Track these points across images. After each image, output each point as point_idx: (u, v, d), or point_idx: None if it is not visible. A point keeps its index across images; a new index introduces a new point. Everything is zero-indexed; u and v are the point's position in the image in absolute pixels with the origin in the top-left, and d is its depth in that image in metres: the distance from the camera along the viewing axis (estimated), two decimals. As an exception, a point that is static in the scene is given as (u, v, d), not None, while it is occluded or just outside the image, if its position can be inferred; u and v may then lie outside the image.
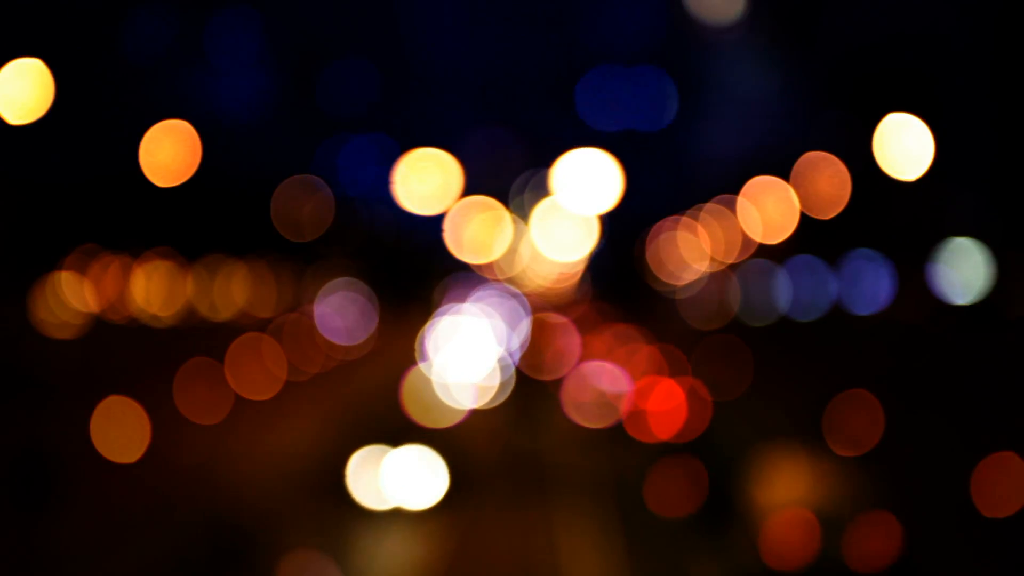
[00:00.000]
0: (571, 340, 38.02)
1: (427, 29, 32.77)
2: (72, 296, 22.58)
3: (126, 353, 21.86)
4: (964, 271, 20.12)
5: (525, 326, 41.06)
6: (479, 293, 43.03)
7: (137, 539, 16.33)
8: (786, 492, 18.51)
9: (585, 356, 34.93)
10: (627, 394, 28.43)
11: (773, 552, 16.57)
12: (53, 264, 22.08)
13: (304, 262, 33.01)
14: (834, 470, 18.79)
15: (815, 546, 16.39)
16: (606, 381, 30.12)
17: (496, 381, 30.33)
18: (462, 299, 41.67)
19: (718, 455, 20.93)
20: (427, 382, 29.25)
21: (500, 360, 33.25)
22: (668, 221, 35.79)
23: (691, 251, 34.98)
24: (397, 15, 32.29)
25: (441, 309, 38.65)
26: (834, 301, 26.62)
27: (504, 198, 38.47)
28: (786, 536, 16.67)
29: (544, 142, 35.54)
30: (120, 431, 18.57)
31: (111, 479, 17.71)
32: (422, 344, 33.59)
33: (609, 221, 37.84)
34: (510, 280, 44.10)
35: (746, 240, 30.37)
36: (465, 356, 31.84)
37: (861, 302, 25.04)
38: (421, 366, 30.78)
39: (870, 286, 24.66)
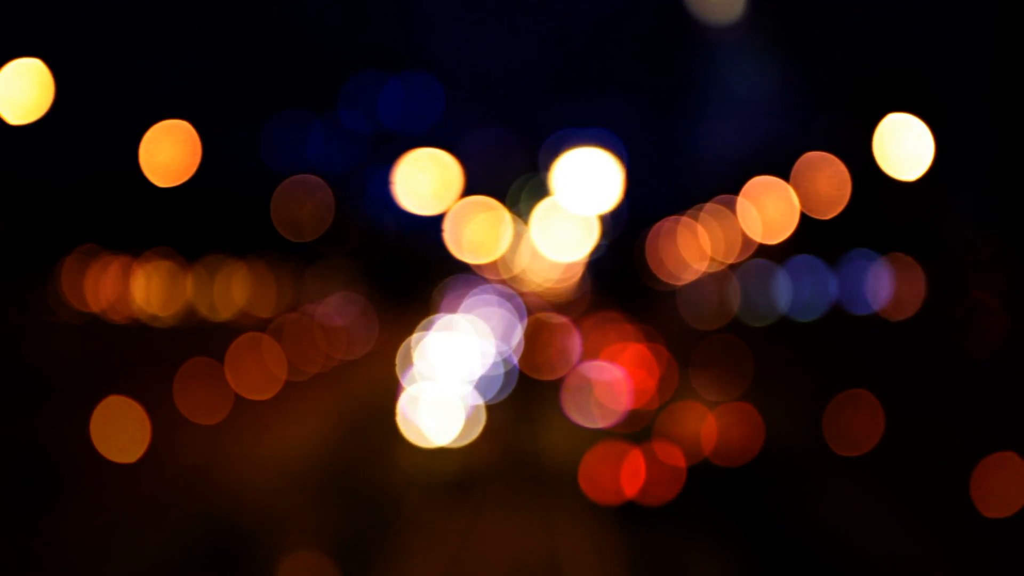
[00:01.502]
0: (571, 339, 38.04)
1: (427, 29, 32.78)
2: (72, 296, 22.59)
3: (126, 353, 21.86)
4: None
5: (521, 331, 40.80)
6: (472, 300, 42.78)
7: (137, 539, 16.33)
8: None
9: (585, 355, 34.95)
10: (626, 392, 28.54)
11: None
12: (53, 264, 22.09)
13: (304, 262, 33.02)
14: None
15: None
16: (606, 381, 30.14)
17: (467, 407, 26.83)
18: (454, 308, 41.20)
19: None
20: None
21: (471, 389, 30.13)
22: (668, 221, 35.79)
23: (691, 251, 34.98)
24: (397, 13, 32.30)
25: (429, 320, 37.39)
26: (834, 301, 26.63)
27: (504, 198, 38.47)
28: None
29: (544, 142, 35.55)
30: (120, 431, 18.57)
31: (111, 479, 17.71)
32: (404, 357, 31.82)
33: (609, 221, 37.86)
34: (510, 280, 44.11)
35: (746, 240, 30.37)
36: (444, 379, 29.54)
37: (861, 302, 25.04)
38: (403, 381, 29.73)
39: (870, 286, 24.66)
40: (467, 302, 42.16)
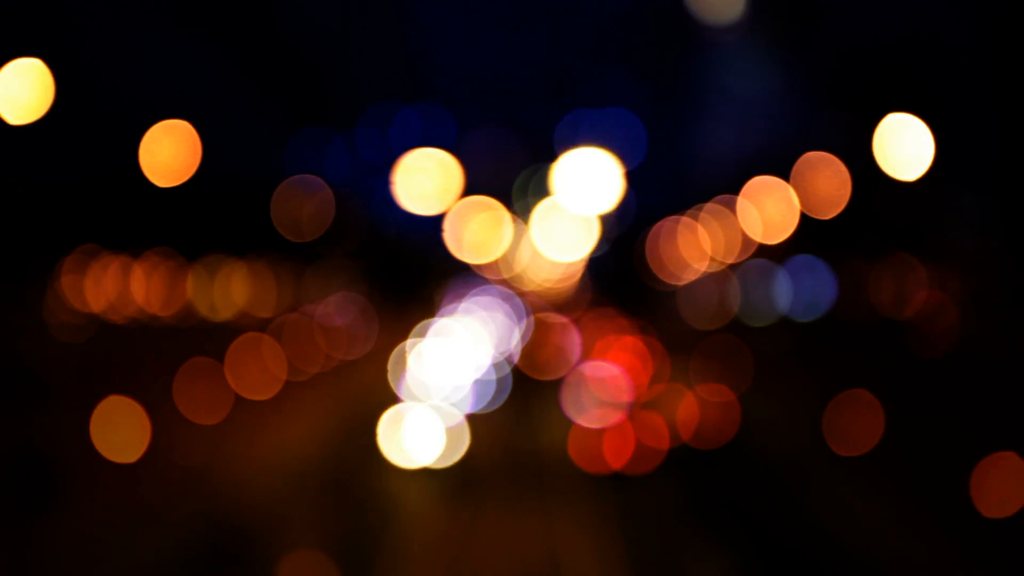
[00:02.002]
0: (571, 339, 38.04)
1: (427, 28, 32.78)
2: (72, 296, 22.58)
3: (126, 353, 21.87)
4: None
5: (520, 334, 40.54)
6: (471, 301, 42.56)
7: (137, 539, 16.33)
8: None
9: (585, 355, 34.97)
10: (623, 389, 28.65)
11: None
12: (53, 264, 22.08)
13: (304, 262, 33.02)
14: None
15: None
16: (607, 381, 30.14)
17: (452, 424, 24.54)
18: (452, 311, 40.77)
19: None
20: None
21: (460, 401, 28.32)
22: (668, 221, 35.79)
23: (691, 251, 34.98)
24: (397, 14, 32.31)
25: (424, 325, 36.16)
26: (834, 301, 26.63)
27: (504, 198, 38.48)
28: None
29: (544, 142, 35.55)
30: (120, 431, 18.57)
31: (111, 479, 17.71)
32: (397, 364, 30.40)
33: (609, 221, 37.86)
34: (510, 280, 44.11)
35: (746, 240, 30.37)
36: (433, 392, 28.14)
37: (861, 302, 25.05)
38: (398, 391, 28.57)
39: (870, 286, 24.67)
40: (465, 304, 42.03)
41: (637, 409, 25.94)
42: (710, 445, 23.73)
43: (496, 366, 33.91)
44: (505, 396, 30.77)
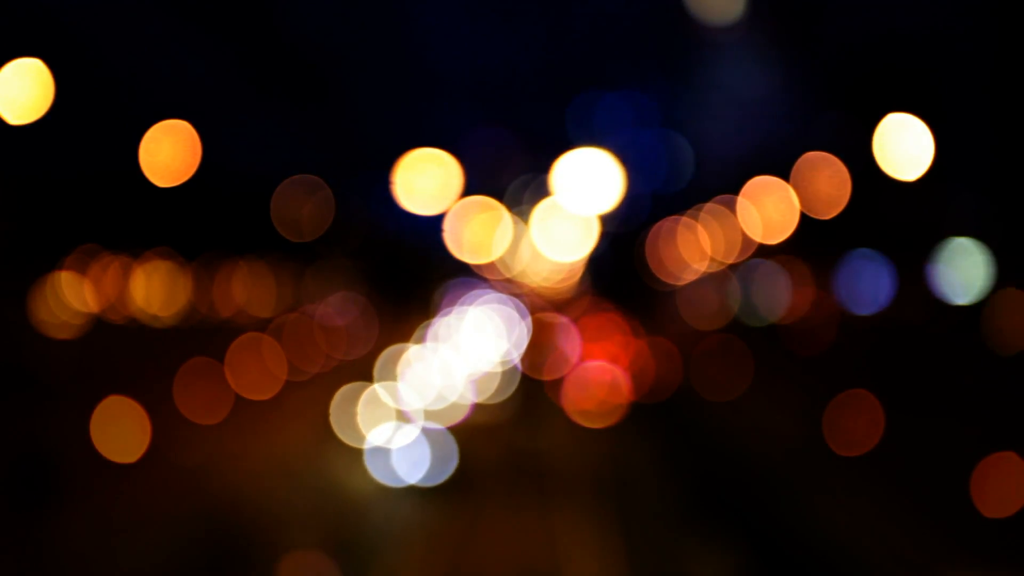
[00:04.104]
0: (571, 340, 38.07)
1: (427, 28, 32.78)
2: (72, 296, 22.58)
3: (126, 353, 21.87)
4: (964, 271, 20.17)
5: (519, 346, 40.20)
6: (465, 314, 42.11)
7: (137, 539, 16.33)
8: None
9: (585, 355, 35.00)
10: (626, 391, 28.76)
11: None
12: (53, 264, 22.08)
13: (304, 262, 33.02)
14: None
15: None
16: (605, 380, 30.19)
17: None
18: (445, 316, 40.09)
19: None
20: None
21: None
22: (668, 221, 35.79)
23: (691, 251, 34.99)
24: (397, 14, 32.31)
25: (386, 360, 33.11)
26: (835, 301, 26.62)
27: (504, 198, 38.48)
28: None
29: (544, 142, 35.55)
30: (120, 431, 18.58)
31: (111, 479, 17.72)
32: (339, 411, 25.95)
33: (609, 221, 37.86)
34: (510, 280, 44.11)
35: (746, 240, 30.38)
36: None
37: (861, 302, 25.04)
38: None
39: (870, 286, 24.66)
40: (456, 317, 41.50)
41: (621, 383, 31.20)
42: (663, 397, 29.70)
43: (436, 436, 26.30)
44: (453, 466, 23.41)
